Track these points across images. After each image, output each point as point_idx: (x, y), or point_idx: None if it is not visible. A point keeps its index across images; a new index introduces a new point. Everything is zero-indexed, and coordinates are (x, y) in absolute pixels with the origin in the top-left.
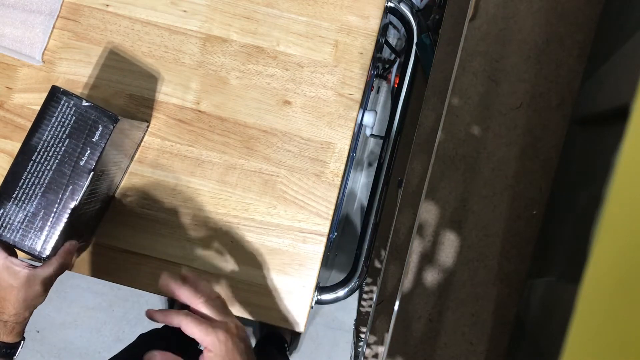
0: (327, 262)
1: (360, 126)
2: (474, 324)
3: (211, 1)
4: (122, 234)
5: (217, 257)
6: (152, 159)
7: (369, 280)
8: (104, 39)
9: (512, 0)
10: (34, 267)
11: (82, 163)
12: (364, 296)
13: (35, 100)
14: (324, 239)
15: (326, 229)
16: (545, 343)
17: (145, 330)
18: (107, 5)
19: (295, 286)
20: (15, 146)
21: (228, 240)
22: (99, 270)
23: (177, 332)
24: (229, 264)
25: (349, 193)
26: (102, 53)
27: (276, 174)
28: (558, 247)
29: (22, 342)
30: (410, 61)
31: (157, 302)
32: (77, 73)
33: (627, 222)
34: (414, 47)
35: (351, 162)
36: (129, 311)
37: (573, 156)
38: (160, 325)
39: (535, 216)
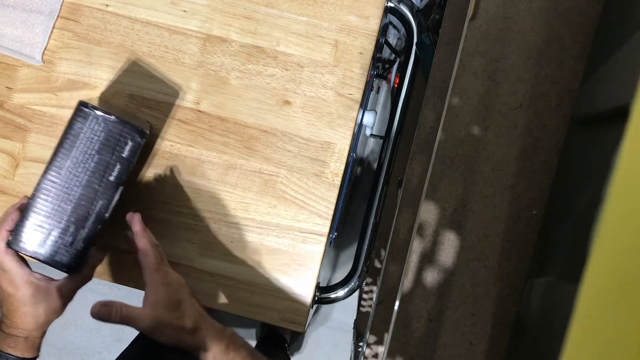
0: (332, 261)
1: (360, 126)
2: (474, 324)
3: (211, 1)
4: (122, 234)
5: (217, 257)
6: (152, 159)
7: (369, 280)
8: (104, 39)
9: (512, 0)
10: (53, 280)
11: (112, 178)
12: (364, 296)
13: (35, 100)
14: (324, 239)
15: (326, 229)
16: (545, 343)
17: None
18: (107, 5)
19: (295, 286)
20: (15, 146)
21: (228, 240)
22: (98, 271)
23: None
24: (229, 264)
25: (349, 193)
26: (102, 53)
27: (276, 174)
28: (558, 247)
29: (38, 358)
30: (410, 61)
31: None
32: (77, 73)
33: (627, 222)
34: (414, 47)
35: (351, 162)
36: None
37: (573, 156)
38: None
39: (535, 216)
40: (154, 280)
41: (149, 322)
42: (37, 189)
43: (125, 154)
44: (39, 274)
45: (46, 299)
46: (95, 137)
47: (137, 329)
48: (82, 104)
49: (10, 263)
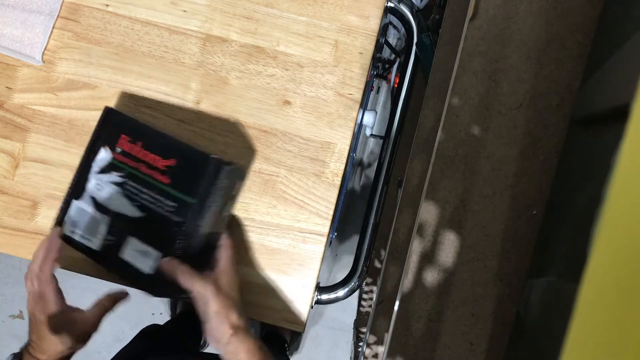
0: (332, 261)
1: (360, 126)
2: (474, 324)
3: (211, 1)
4: None
5: None
6: None
7: (369, 280)
8: (104, 39)
9: (512, 0)
10: (82, 310)
11: (225, 214)
12: (364, 296)
13: (35, 100)
14: (324, 239)
15: (326, 229)
16: (545, 343)
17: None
18: (107, 5)
19: (295, 286)
20: (15, 146)
21: None
22: (99, 271)
23: (174, 330)
24: None
25: (349, 193)
26: (102, 53)
27: (276, 174)
28: (558, 247)
29: None
30: (410, 61)
31: (156, 302)
32: (77, 73)
33: (627, 222)
34: (414, 47)
35: (351, 162)
36: (129, 311)
37: (573, 156)
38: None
39: (535, 216)
40: (230, 270)
41: (211, 291)
42: (177, 237)
43: (235, 192)
44: (70, 306)
45: (75, 328)
46: (222, 185)
47: (196, 290)
48: (218, 162)
49: (50, 293)
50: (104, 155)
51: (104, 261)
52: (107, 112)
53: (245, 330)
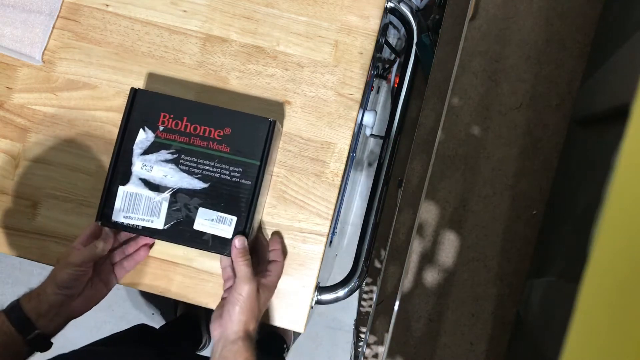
0: (332, 261)
1: (360, 126)
2: (474, 324)
3: (211, 1)
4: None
5: (217, 257)
6: None
7: (369, 280)
8: (104, 39)
9: (512, 0)
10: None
11: (270, 172)
12: (364, 296)
13: (35, 100)
14: (324, 239)
15: (326, 229)
16: (545, 343)
17: None
18: (107, 5)
19: (295, 286)
20: (15, 146)
21: None
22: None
23: (170, 332)
24: None
25: (349, 193)
26: (102, 53)
27: (276, 174)
28: (558, 247)
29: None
30: (410, 61)
31: (156, 302)
32: (77, 73)
33: (627, 222)
34: (414, 47)
35: (351, 162)
36: (128, 311)
37: (573, 156)
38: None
39: (535, 216)
40: (273, 288)
41: (250, 295)
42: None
43: (276, 149)
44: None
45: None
46: (274, 145)
47: (241, 283)
48: (274, 123)
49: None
50: (144, 136)
51: (173, 237)
52: (135, 93)
53: (253, 342)
